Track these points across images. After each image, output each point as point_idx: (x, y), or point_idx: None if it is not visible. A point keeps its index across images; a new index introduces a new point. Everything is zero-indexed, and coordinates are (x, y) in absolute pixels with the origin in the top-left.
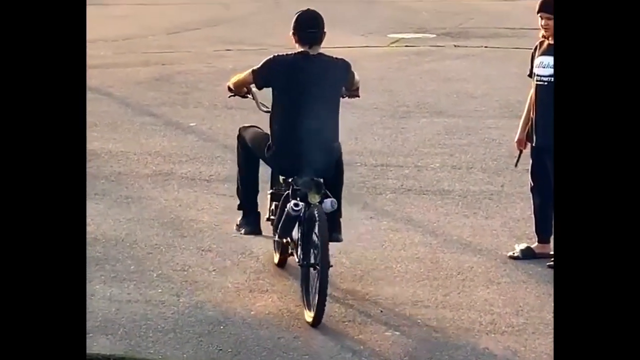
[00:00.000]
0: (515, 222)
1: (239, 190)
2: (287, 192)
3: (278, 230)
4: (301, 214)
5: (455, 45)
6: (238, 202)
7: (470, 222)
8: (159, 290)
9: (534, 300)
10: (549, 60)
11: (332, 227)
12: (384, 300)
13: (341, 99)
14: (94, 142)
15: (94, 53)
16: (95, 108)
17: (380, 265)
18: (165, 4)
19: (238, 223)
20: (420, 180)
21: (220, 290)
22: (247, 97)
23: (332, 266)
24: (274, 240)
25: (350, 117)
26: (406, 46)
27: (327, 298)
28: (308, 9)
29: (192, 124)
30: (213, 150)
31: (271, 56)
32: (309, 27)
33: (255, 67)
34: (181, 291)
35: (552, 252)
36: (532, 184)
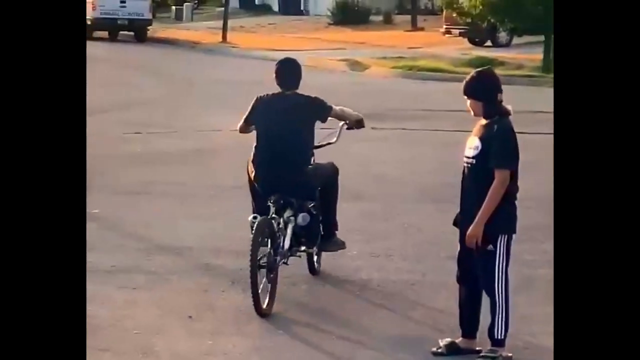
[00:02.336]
0: (438, 314)
1: (253, 209)
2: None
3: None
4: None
5: (372, 128)
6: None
7: (391, 315)
8: None
9: None
10: (475, 141)
11: (325, 238)
12: None
13: (347, 130)
14: None
15: None
16: None
17: None
18: None
19: None
20: (337, 270)
21: None
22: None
23: (277, 267)
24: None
25: None
26: (321, 128)
27: None
28: (287, 58)
29: (94, 211)
30: (116, 239)
31: (255, 98)
32: (284, 74)
33: (246, 115)
34: None
35: (478, 348)
36: (459, 273)
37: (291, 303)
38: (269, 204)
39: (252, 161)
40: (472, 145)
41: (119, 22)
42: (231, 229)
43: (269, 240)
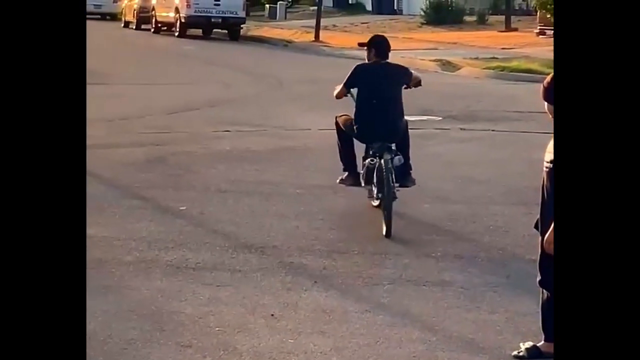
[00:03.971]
0: (521, 318)
1: (342, 158)
2: (370, 153)
3: (364, 179)
4: (376, 167)
5: (461, 129)
6: (342, 166)
7: (473, 317)
8: None
9: None
10: (551, 144)
11: (403, 177)
12: None
13: (406, 89)
14: None
15: (88, 133)
16: None
17: None
18: (166, 84)
19: (343, 178)
20: (420, 271)
21: None
22: (347, 95)
23: (396, 198)
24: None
25: (347, 202)
26: (410, 129)
27: None
28: (379, 35)
29: (182, 208)
30: (202, 236)
31: (355, 66)
32: (381, 46)
33: (345, 81)
34: None
35: None
36: (540, 277)
37: (372, 303)
38: (372, 150)
39: (355, 115)
40: (550, 149)
41: (212, 20)
42: (316, 229)
43: (378, 178)
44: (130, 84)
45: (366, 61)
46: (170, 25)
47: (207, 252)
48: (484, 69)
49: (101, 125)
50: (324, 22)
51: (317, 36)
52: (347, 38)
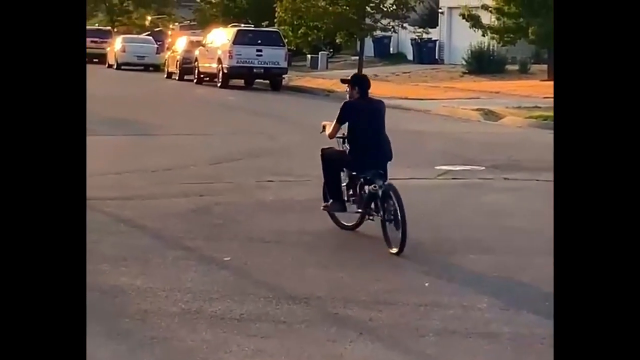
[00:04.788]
0: None
1: (328, 187)
2: (361, 181)
3: (363, 205)
4: (379, 192)
5: (505, 178)
6: (325, 199)
7: None
8: None
9: None
10: None
11: None
12: None
13: None
14: (121, 277)
15: (132, 184)
16: (126, 241)
17: None
18: (209, 134)
19: (328, 205)
20: (466, 322)
21: None
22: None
23: None
24: (332, 214)
25: (390, 253)
26: (454, 178)
27: None
28: (361, 74)
29: (226, 259)
30: (246, 287)
31: (343, 103)
32: (363, 84)
33: (337, 117)
34: None
35: None
36: None
37: (419, 355)
38: (368, 177)
39: (350, 148)
40: None
41: (254, 70)
42: (360, 279)
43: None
44: (173, 134)
45: (348, 98)
46: (212, 76)
47: (251, 303)
48: (527, 118)
49: (145, 175)
50: (365, 71)
51: None
52: (388, 87)
